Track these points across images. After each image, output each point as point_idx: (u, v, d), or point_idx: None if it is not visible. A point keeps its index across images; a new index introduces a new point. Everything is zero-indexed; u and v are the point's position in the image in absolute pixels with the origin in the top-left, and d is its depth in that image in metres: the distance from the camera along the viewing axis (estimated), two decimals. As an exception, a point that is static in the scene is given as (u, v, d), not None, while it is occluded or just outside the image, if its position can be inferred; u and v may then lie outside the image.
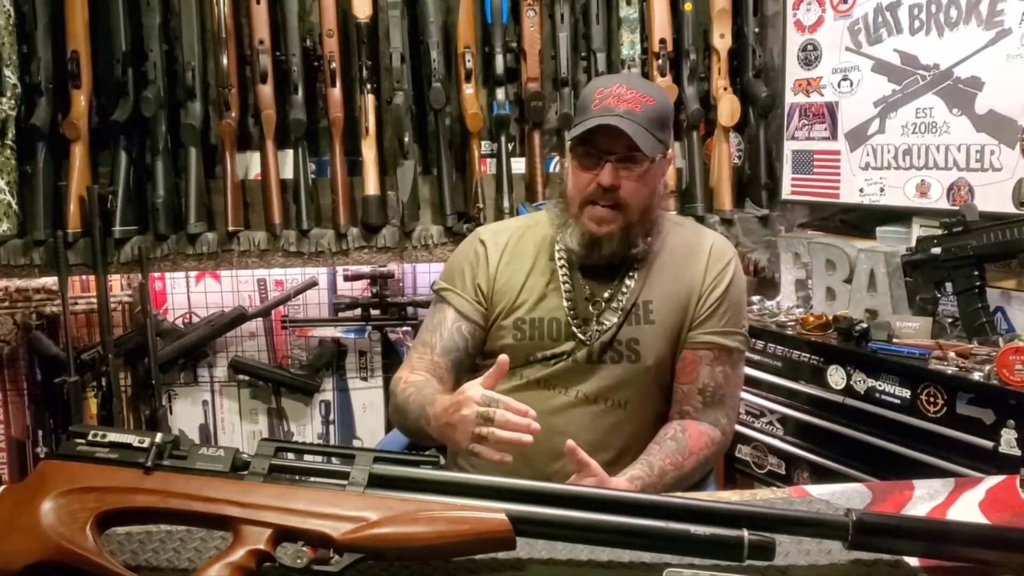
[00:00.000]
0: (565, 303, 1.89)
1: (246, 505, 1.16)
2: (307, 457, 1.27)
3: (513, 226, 2.05)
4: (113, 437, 1.22)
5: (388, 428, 3.41)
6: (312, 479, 1.21)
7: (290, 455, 1.25)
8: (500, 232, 2.03)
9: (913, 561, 1.29)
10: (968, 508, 1.50)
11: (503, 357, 1.61)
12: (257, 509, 1.16)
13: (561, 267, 1.91)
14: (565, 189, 1.89)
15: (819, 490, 1.59)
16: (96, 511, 1.16)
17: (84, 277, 3.15)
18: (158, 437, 1.21)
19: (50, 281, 3.05)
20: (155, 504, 1.18)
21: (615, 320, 1.87)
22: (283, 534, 1.15)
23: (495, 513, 1.17)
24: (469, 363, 1.97)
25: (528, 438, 1.50)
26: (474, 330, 1.94)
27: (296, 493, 1.18)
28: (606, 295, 1.90)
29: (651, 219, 1.88)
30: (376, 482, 1.20)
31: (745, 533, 1.18)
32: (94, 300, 3.02)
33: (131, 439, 1.21)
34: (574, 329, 1.88)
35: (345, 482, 1.19)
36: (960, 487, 1.58)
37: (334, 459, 1.26)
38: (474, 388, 1.56)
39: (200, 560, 1.27)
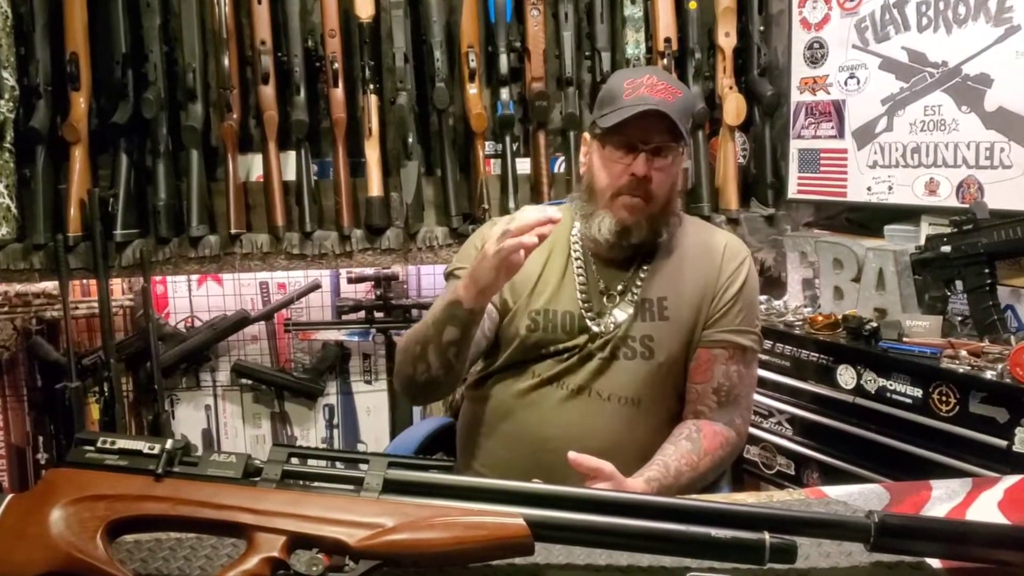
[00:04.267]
0: (579, 295, 1.89)
1: (259, 512, 1.14)
2: (319, 463, 1.25)
3: None
4: (122, 444, 1.19)
5: (393, 432, 3.40)
6: (325, 485, 1.19)
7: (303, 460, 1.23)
8: None
9: (935, 563, 1.27)
10: (987, 508, 1.49)
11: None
12: (271, 516, 1.13)
13: (576, 259, 1.91)
14: (591, 181, 1.88)
15: (836, 491, 1.57)
16: (106, 519, 1.13)
17: (85, 281, 3.13)
18: (168, 443, 1.18)
19: (50, 285, 3.04)
20: (166, 512, 1.15)
21: (628, 313, 1.87)
22: (298, 541, 1.12)
23: (513, 518, 1.15)
24: (485, 347, 1.95)
25: (543, 230, 1.59)
26: (491, 312, 1.91)
27: (310, 499, 1.15)
28: (619, 288, 1.89)
29: (671, 211, 1.90)
30: (390, 487, 1.17)
31: (766, 536, 1.16)
32: (95, 304, 3.01)
33: (141, 446, 1.19)
34: (587, 322, 1.87)
35: (359, 488, 1.17)
36: (978, 487, 1.57)
37: (347, 464, 1.24)
38: None
39: (211, 568, 1.25)
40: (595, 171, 1.87)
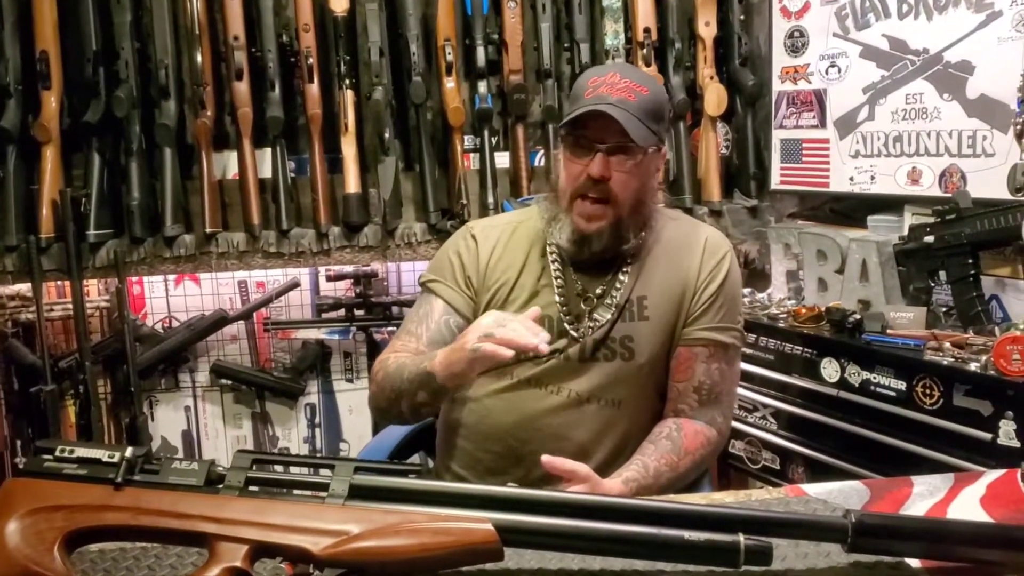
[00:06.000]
0: (557, 299, 1.86)
1: (222, 520, 1.11)
2: (284, 468, 1.22)
3: (504, 221, 2.01)
4: (81, 452, 1.16)
5: (376, 430, 3.37)
6: (290, 492, 1.16)
7: (268, 466, 1.20)
8: (491, 227, 1.98)
9: (915, 562, 1.26)
10: (969, 504, 1.47)
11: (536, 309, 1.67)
12: (233, 524, 1.11)
13: (553, 262, 1.88)
14: (556, 182, 1.85)
15: (816, 489, 1.55)
16: (64, 531, 1.11)
17: (59, 283, 3.09)
18: (128, 451, 1.16)
19: (24, 288, 3.00)
20: (126, 521, 1.12)
21: (608, 317, 1.84)
22: (261, 550, 1.10)
23: (481, 523, 1.12)
24: None
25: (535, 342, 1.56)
26: (462, 325, 1.87)
27: (274, 507, 1.13)
28: (599, 291, 1.86)
29: (643, 213, 1.84)
30: (357, 493, 1.15)
31: (741, 538, 1.14)
32: (70, 306, 2.97)
33: (100, 454, 1.16)
34: (566, 326, 1.84)
35: (325, 494, 1.15)
36: (960, 482, 1.55)
37: (314, 470, 1.21)
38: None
39: (175, 578, 1.23)
40: (561, 172, 1.83)
